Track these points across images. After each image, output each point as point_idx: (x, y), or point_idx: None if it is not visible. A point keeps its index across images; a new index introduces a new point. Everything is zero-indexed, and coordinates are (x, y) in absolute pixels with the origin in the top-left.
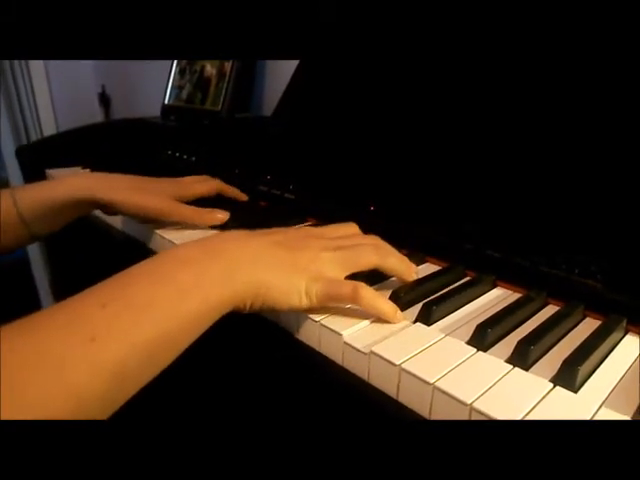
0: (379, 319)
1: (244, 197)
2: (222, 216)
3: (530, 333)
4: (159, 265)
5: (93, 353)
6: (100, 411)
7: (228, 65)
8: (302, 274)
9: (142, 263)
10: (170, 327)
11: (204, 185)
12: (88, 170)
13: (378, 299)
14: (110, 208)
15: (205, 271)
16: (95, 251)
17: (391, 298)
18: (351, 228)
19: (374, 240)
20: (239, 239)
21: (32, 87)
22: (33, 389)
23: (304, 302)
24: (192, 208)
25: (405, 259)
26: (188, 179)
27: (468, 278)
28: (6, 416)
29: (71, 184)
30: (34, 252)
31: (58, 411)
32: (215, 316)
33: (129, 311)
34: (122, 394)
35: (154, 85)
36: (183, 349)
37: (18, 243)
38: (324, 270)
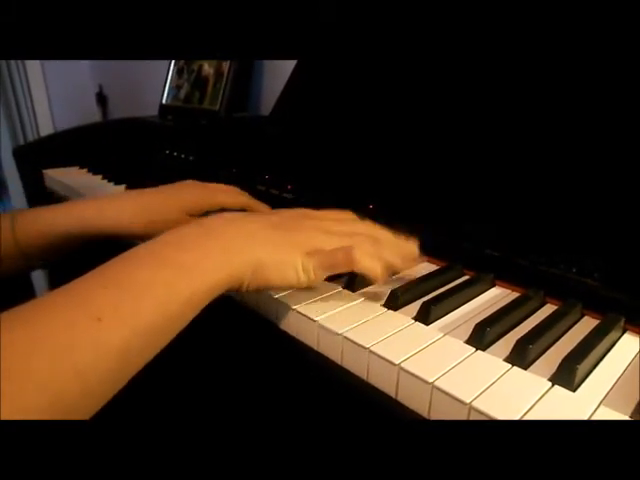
0: (378, 319)
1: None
2: None
3: (528, 332)
4: (159, 248)
5: (100, 333)
6: (104, 392)
7: (226, 65)
8: (297, 251)
9: (141, 246)
10: (171, 309)
11: (229, 197)
12: (85, 170)
13: (371, 260)
14: (122, 237)
15: (203, 253)
16: (97, 253)
17: (389, 298)
18: (346, 214)
19: (370, 229)
20: (236, 221)
21: (29, 87)
22: (42, 370)
23: (302, 279)
24: None
25: (401, 246)
26: (212, 186)
27: (467, 277)
28: (14, 398)
29: (73, 213)
30: None
31: (65, 392)
32: (213, 295)
33: (132, 293)
34: (125, 374)
35: (152, 85)
36: (182, 328)
37: (13, 271)
38: (320, 246)
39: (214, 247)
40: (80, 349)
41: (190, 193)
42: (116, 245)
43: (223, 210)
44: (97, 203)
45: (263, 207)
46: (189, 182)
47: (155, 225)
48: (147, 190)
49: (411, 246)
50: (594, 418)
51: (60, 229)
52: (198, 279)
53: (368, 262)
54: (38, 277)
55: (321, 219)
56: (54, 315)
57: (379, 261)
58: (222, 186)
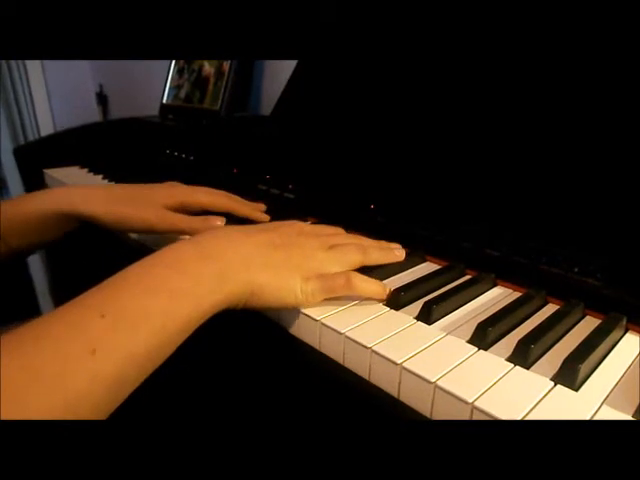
0: (380, 318)
1: (265, 217)
2: (218, 223)
3: (530, 332)
4: (152, 269)
5: (94, 365)
6: (95, 418)
7: (227, 64)
8: (296, 273)
9: (135, 266)
10: (166, 334)
11: (208, 196)
12: (86, 170)
13: (369, 284)
14: (93, 222)
15: (198, 276)
16: (97, 254)
17: (392, 297)
18: (337, 229)
19: (356, 239)
20: (232, 239)
21: (29, 87)
22: (34, 401)
23: (300, 299)
24: (183, 217)
25: (384, 245)
26: (194, 186)
27: (468, 277)
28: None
29: (48, 198)
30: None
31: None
32: (208, 317)
33: (126, 321)
34: (118, 400)
35: (152, 84)
36: (176, 348)
37: None
38: (318, 268)
39: (211, 271)
40: (74, 381)
41: (166, 188)
42: (114, 246)
43: (206, 212)
44: (78, 189)
45: (248, 210)
46: (172, 182)
47: (129, 219)
48: (126, 184)
49: (395, 246)
50: (596, 418)
51: (35, 212)
52: (194, 304)
53: (366, 285)
54: (38, 277)
55: (317, 234)
56: (49, 343)
57: (375, 282)
58: (204, 187)
